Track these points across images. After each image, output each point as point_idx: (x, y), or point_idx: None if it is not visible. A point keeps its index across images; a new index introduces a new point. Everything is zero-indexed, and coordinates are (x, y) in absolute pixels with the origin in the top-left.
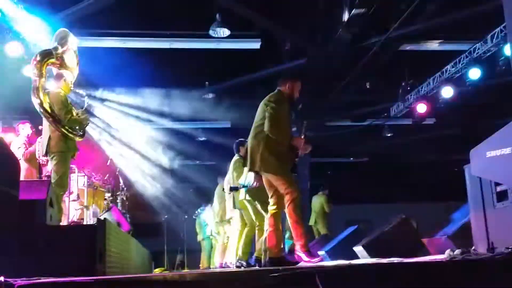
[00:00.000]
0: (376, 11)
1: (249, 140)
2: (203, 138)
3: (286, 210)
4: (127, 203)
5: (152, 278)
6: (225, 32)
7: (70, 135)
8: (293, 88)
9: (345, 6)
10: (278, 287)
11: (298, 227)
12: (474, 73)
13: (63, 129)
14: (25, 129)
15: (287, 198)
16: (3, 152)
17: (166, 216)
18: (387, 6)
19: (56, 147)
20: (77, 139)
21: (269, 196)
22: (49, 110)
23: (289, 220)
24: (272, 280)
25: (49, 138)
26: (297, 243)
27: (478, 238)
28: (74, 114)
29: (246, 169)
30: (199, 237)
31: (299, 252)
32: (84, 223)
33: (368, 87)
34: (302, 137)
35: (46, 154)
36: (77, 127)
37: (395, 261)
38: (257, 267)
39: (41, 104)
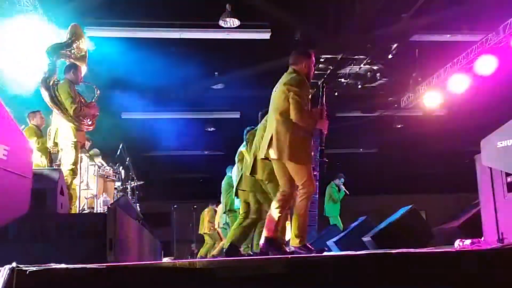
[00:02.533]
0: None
1: (271, 126)
2: (212, 129)
3: (297, 202)
4: (137, 192)
5: (163, 265)
6: (235, 22)
7: (77, 125)
8: (309, 66)
9: None
10: (287, 274)
11: (304, 222)
12: (486, 64)
13: (69, 119)
14: (36, 118)
15: (303, 191)
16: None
17: (175, 206)
18: None
19: (65, 137)
20: (85, 129)
21: (281, 185)
22: (56, 101)
23: (296, 212)
24: (281, 267)
25: (58, 128)
26: (298, 238)
27: (487, 228)
28: (81, 105)
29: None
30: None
31: (298, 247)
32: (96, 211)
33: (378, 78)
34: (323, 104)
35: (55, 144)
36: (84, 118)
37: (404, 251)
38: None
39: (49, 96)
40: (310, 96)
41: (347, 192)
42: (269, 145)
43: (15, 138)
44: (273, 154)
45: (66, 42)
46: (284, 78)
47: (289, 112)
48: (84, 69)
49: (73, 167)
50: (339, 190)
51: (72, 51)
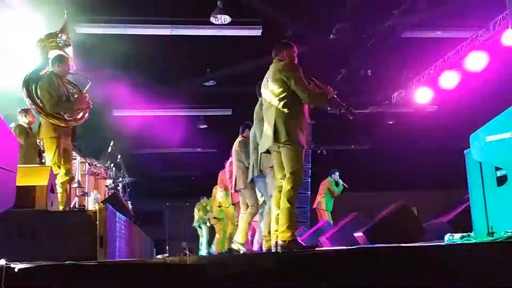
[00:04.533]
0: None
1: (271, 119)
2: (204, 126)
3: (286, 192)
4: (128, 190)
5: (153, 262)
6: (227, 19)
7: (55, 120)
8: (290, 55)
9: None
10: (279, 270)
11: (294, 215)
12: (476, 60)
13: (46, 116)
14: (27, 116)
15: (293, 179)
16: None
17: (167, 204)
18: None
19: (45, 132)
20: (64, 124)
21: (280, 173)
22: (33, 97)
23: (285, 206)
24: (273, 263)
25: (40, 123)
26: (290, 230)
27: (477, 223)
28: (64, 98)
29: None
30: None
31: (290, 241)
32: (86, 209)
33: (369, 74)
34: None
35: (40, 140)
36: (63, 112)
37: (395, 246)
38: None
39: (27, 91)
40: None
41: (346, 185)
42: (275, 131)
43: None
44: (283, 137)
45: (55, 31)
46: (273, 68)
47: (290, 100)
48: (71, 58)
49: (55, 163)
50: (337, 184)
51: (58, 40)
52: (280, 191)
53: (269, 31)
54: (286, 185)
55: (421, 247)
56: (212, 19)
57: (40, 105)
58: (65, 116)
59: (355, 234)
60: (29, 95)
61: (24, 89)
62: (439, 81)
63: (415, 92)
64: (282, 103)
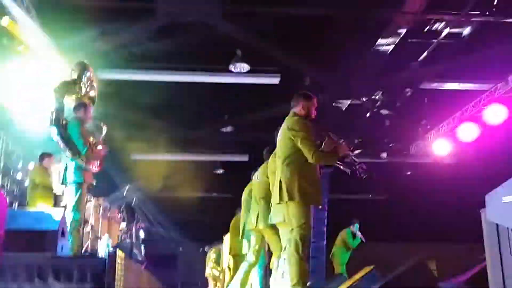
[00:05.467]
0: (398, 48)
1: (278, 170)
2: (220, 171)
3: (294, 246)
4: (142, 234)
5: None
6: (245, 67)
7: (86, 166)
8: (308, 107)
9: (367, 43)
10: None
11: (305, 269)
12: (495, 113)
13: (79, 160)
14: (47, 160)
15: (301, 233)
16: None
17: (181, 249)
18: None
19: (72, 177)
20: (94, 169)
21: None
22: (66, 140)
23: (295, 259)
24: None
25: (66, 167)
26: (299, 286)
27: (494, 286)
28: (91, 145)
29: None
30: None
31: None
32: (98, 253)
33: (387, 124)
34: (328, 133)
35: (63, 184)
36: (93, 159)
37: None
38: None
39: (59, 134)
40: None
41: (363, 239)
42: (280, 189)
43: None
44: (285, 197)
45: (74, 79)
46: (285, 123)
47: (296, 157)
48: (92, 107)
49: (79, 207)
50: (354, 237)
51: (81, 88)
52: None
53: (287, 80)
54: (294, 237)
55: None
56: (231, 67)
57: (74, 148)
58: (94, 163)
59: None
60: (61, 136)
61: (55, 128)
62: (458, 133)
63: (434, 143)
64: (287, 160)
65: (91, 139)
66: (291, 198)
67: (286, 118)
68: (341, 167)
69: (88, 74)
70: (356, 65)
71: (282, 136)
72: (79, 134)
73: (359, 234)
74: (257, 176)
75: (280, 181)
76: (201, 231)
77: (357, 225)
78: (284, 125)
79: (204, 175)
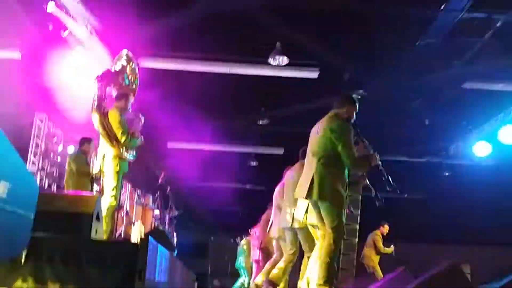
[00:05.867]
0: (441, 46)
1: (311, 168)
2: (255, 163)
3: (326, 245)
4: (174, 222)
5: None
6: (284, 60)
7: (124, 154)
8: (351, 112)
9: (410, 40)
10: None
11: (333, 270)
12: None
13: (118, 149)
14: (86, 145)
15: (333, 235)
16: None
17: (212, 238)
18: (452, 42)
19: (109, 165)
20: (130, 159)
21: (318, 223)
22: (106, 129)
23: (324, 260)
24: None
25: (103, 156)
26: (327, 285)
27: None
28: (129, 135)
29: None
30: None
31: None
32: (131, 239)
33: (427, 123)
34: (363, 140)
35: (101, 171)
36: (131, 148)
37: None
38: None
39: (100, 122)
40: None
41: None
42: (310, 187)
43: (18, 174)
44: (315, 195)
45: (117, 69)
46: (326, 122)
47: (333, 158)
48: (132, 97)
49: (115, 194)
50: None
51: (123, 78)
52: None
53: (326, 74)
54: (326, 240)
55: None
56: (270, 60)
57: (114, 137)
58: (130, 152)
59: None
60: (102, 123)
61: (97, 116)
62: (499, 135)
63: (474, 144)
64: (323, 160)
65: (129, 129)
66: (322, 198)
67: (327, 117)
68: (367, 181)
69: (132, 65)
70: (397, 63)
71: (322, 135)
72: (119, 123)
73: (392, 247)
74: (292, 176)
75: (312, 178)
76: (232, 222)
77: (386, 226)
78: (324, 125)
79: (238, 166)
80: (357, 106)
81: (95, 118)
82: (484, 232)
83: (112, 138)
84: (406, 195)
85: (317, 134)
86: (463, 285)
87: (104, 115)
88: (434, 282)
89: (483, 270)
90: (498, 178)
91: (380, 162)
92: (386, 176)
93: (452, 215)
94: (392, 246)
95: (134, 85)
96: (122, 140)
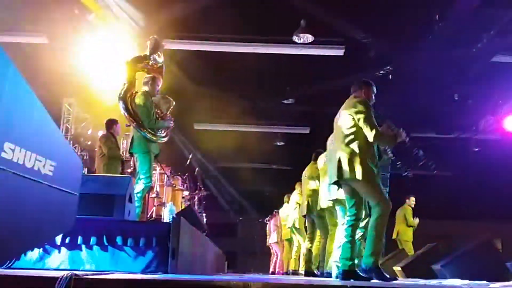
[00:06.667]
0: (469, 19)
1: (338, 149)
2: (281, 143)
3: (374, 221)
4: (203, 202)
5: (216, 284)
6: (309, 38)
7: (152, 137)
8: (368, 93)
9: (435, 14)
10: None
11: (379, 243)
12: None
13: (144, 132)
14: (113, 127)
15: (380, 209)
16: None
17: (240, 218)
18: (481, 15)
19: (138, 147)
20: (160, 141)
21: (349, 206)
22: (132, 113)
23: (371, 233)
24: None
25: (133, 138)
26: (371, 259)
27: None
28: (156, 117)
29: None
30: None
31: (371, 268)
32: (162, 219)
33: (456, 98)
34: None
35: (130, 153)
36: (159, 131)
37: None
38: (325, 278)
39: (125, 108)
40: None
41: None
42: (339, 168)
43: (63, 153)
44: (346, 174)
45: (145, 54)
46: (346, 106)
47: (356, 136)
48: (160, 81)
49: (147, 176)
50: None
51: (150, 63)
52: (335, 226)
53: (351, 52)
54: (373, 215)
55: None
56: (295, 38)
57: (139, 120)
58: (159, 134)
59: (433, 267)
60: (127, 109)
61: (122, 103)
62: None
63: (505, 119)
64: (347, 140)
65: (158, 111)
66: (353, 176)
67: (346, 102)
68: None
69: (160, 49)
70: (424, 37)
71: (343, 118)
72: (145, 107)
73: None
74: (324, 162)
75: (339, 160)
76: (260, 202)
77: (413, 199)
78: (344, 108)
79: (265, 146)
80: (374, 89)
81: (121, 105)
82: None
83: (138, 122)
84: (435, 172)
85: (339, 117)
86: (496, 258)
87: (131, 100)
88: (467, 257)
89: None
90: None
91: (407, 139)
92: (417, 151)
93: (482, 192)
94: (416, 217)
95: (161, 69)
96: (146, 123)
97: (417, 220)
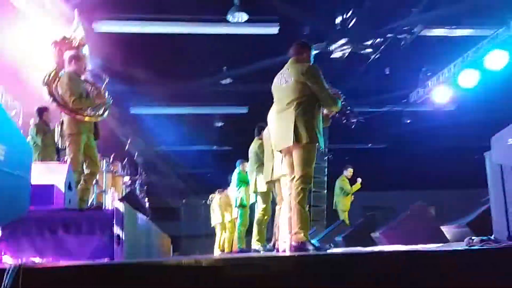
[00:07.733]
0: None
1: (287, 117)
2: (220, 124)
3: (297, 192)
4: (145, 187)
5: (168, 263)
6: (243, 17)
7: (79, 116)
8: (310, 57)
9: None
10: (296, 272)
11: (307, 214)
12: (497, 59)
13: (68, 113)
14: (45, 114)
15: (304, 180)
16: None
17: (183, 201)
18: None
19: (67, 129)
20: (88, 119)
21: (290, 173)
22: (55, 95)
23: (298, 204)
24: (293, 265)
25: (62, 121)
26: (302, 231)
27: (498, 227)
28: (84, 94)
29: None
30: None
31: (303, 242)
32: (103, 207)
33: (387, 72)
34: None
35: (61, 137)
36: (87, 108)
37: (412, 249)
38: (275, 252)
39: (48, 91)
40: None
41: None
42: (296, 132)
43: (13, 137)
44: (305, 139)
45: (67, 33)
46: (293, 69)
47: (309, 101)
48: (85, 57)
49: (72, 159)
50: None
51: (73, 40)
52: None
53: (286, 30)
54: (297, 186)
55: (439, 251)
56: (229, 17)
57: (62, 102)
58: (88, 112)
59: (373, 235)
60: (50, 93)
61: (45, 87)
62: (459, 79)
63: (434, 90)
64: (303, 105)
65: (90, 88)
66: (308, 142)
67: (290, 65)
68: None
69: (81, 26)
70: (355, 13)
71: (295, 81)
72: (66, 87)
73: (359, 180)
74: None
75: (295, 125)
76: (202, 184)
77: (350, 169)
78: (292, 72)
79: (204, 128)
80: (313, 51)
81: (45, 90)
82: (446, 176)
83: (63, 104)
84: (369, 145)
85: (285, 83)
86: (431, 223)
87: (59, 82)
88: (404, 224)
89: (447, 211)
90: (458, 123)
91: (344, 102)
92: (348, 109)
93: (415, 162)
94: (358, 178)
95: (85, 46)
96: (71, 102)
97: (359, 181)
